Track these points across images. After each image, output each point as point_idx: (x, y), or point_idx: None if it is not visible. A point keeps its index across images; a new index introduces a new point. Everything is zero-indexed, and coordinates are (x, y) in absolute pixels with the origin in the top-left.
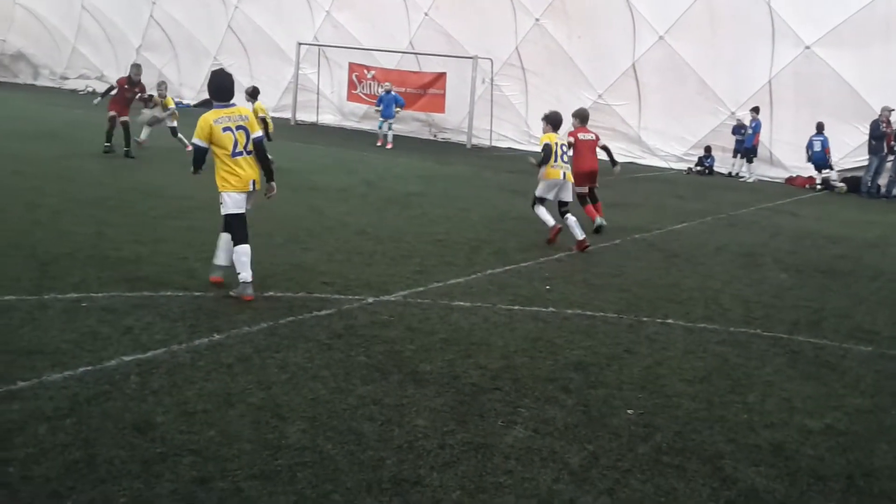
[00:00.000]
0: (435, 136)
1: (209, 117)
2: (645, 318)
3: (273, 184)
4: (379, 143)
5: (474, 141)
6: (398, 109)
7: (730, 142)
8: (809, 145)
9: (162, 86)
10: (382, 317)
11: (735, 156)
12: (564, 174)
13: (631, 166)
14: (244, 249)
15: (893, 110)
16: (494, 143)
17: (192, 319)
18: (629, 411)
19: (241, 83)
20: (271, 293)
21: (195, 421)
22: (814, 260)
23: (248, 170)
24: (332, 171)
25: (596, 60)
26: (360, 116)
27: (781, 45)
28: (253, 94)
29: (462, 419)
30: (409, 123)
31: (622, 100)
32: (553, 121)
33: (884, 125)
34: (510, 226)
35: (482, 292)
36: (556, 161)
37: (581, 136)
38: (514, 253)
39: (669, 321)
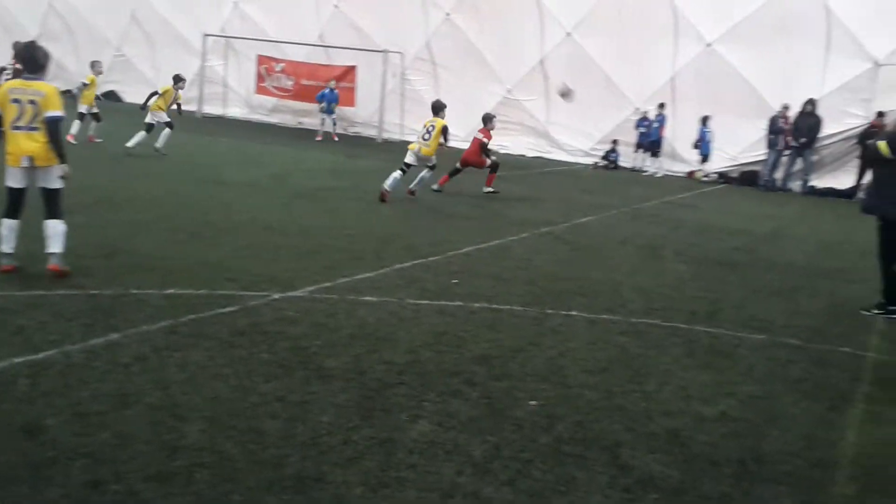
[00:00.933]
0: (345, 129)
1: (6, 85)
2: (550, 311)
3: (65, 166)
4: (318, 139)
5: (385, 135)
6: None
7: (634, 136)
8: (702, 137)
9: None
10: (288, 313)
11: (638, 150)
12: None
13: (539, 161)
14: (8, 224)
15: (791, 108)
16: (405, 138)
17: (88, 318)
18: (532, 402)
19: (144, 73)
20: (172, 290)
21: (88, 423)
22: (712, 252)
23: (24, 144)
24: (239, 165)
25: (505, 56)
26: (268, 109)
27: (684, 42)
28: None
29: (367, 414)
30: (318, 117)
31: (531, 95)
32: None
33: (782, 121)
34: (420, 220)
35: (390, 287)
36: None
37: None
38: (423, 247)
39: (573, 313)
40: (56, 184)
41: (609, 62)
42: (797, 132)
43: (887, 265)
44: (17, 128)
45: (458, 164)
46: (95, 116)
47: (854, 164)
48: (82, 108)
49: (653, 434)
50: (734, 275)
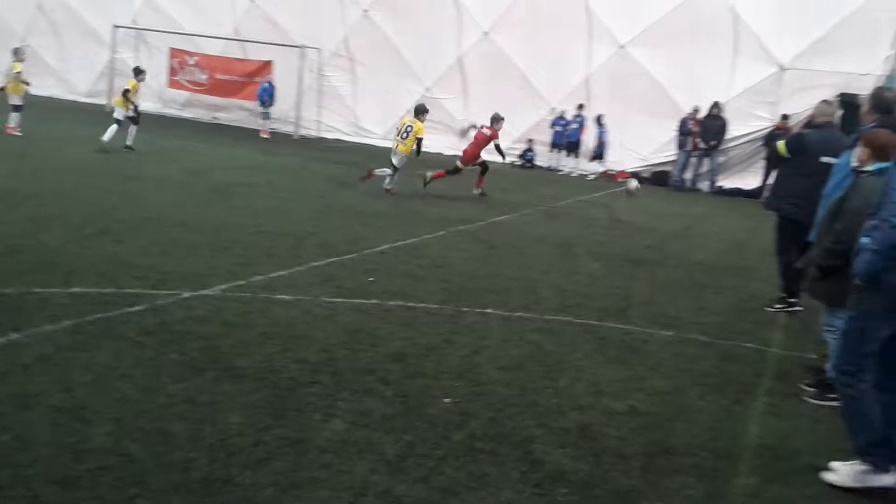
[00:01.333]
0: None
1: None
2: (465, 309)
3: None
4: (264, 136)
5: (302, 131)
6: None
7: (549, 136)
8: (601, 135)
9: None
10: (198, 312)
11: (553, 149)
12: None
13: (457, 159)
14: None
15: (700, 110)
16: (322, 135)
17: None
18: (446, 400)
19: (50, 65)
20: (77, 289)
21: None
22: (624, 250)
23: None
24: (151, 160)
25: (423, 53)
26: (181, 104)
27: (598, 43)
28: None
29: (279, 414)
30: (234, 112)
31: (449, 93)
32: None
33: (691, 123)
34: (336, 218)
35: (305, 285)
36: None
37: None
38: (340, 245)
39: (489, 310)
40: None
41: (525, 62)
42: (705, 134)
43: (784, 260)
44: None
45: (459, 164)
46: (18, 108)
47: (760, 165)
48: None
49: (564, 429)
50: (644, 272)
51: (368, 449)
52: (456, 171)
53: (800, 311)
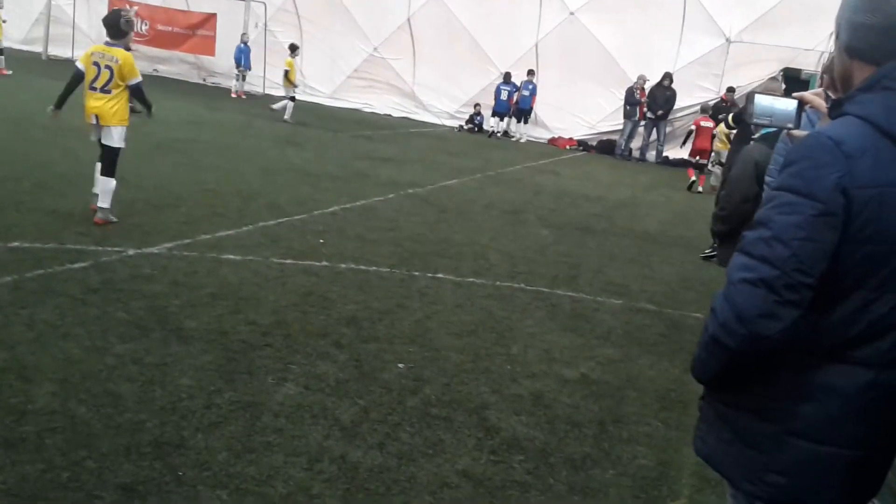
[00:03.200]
0: (204, 80)
1: (92, 48)
2: (417, 273)
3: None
4: (234, 96)
5: (246, 87)
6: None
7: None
8: (497, 93)
9: None
10: (144, 270)
11: (495, 116)
12: None
13: (406, 121)
14: (97, 167)
15: (648, 80)
16: (267, 92)
17: None
18: (399, 365)
19: None
20: (17, 244)
21: None
22: (572, 218)
23: (93, 104)
24: None
25: (372, 13)
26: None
27: (548, 9)
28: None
29: (230, 378)
30: (176, 65)
31: (397, 54)
32: None
33: (638, 92)
34: (284, 178)
35: (253, 245)
36: None
37: None
38: (288, 206)
39: (440, 275)
40: (115, 143)
41: (476, 25)
42: (653, 104)
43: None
44: (93, 88)
45: None
46: None
47: None
48: None
49: (518, 396)
50: (593, 240)
51: (322, 414)
52: None
53: None
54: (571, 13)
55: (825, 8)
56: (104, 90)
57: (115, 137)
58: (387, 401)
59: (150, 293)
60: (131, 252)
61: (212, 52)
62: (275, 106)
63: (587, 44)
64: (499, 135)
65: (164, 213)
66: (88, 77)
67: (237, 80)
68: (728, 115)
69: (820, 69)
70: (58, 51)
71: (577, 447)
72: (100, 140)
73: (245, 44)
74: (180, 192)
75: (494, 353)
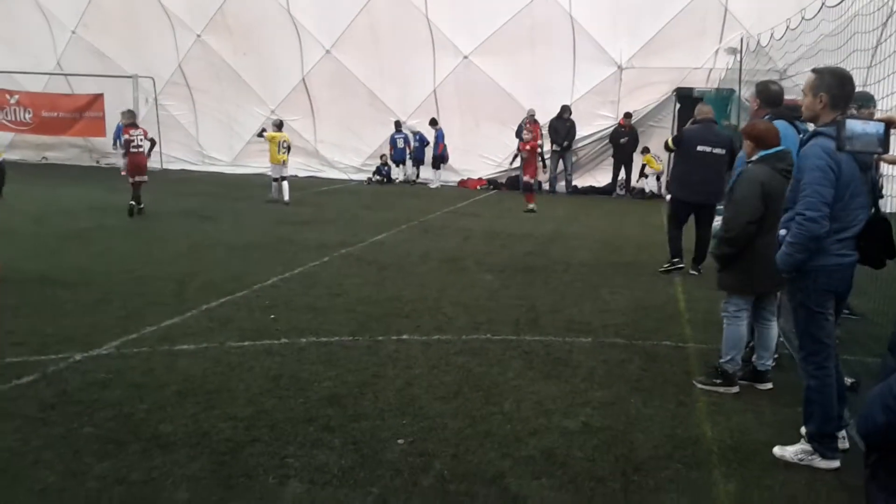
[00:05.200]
0: (98, 162)
1: None
2: (381, 338)
3: None
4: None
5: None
6: None
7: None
8: (392, 142)
9: None
10: (98, 375)
11: (398, 164)
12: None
13: (313, 180)
14: None
15: (535, 112)
16: (165, 166)
17: None
18: (399, 441)
19: None
20: None
21: None
22: (509, 258)
23: None
24: None
25: (265, 76)
26: (5, 146)
27: (442, 55)
28: None
29: (228, 484)
30: (65, 150)
31: (295, 115)
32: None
33: (526, 126)
34: (210, 255)
35: (204, 331)
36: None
37: None
38: (225, 283)
39: (405, 337)
40: None
41: (371, 78)
42: (556, 136)
43: (671, 232)
44: None
45: None
46: None
47: (609, 163)
48: None
49: (530, 457)
50: (537, 279)
51: None
52: None
53: (681, 267)
54: (465, 57)
55: (706, 28)
56: None
57: None
58: (400, 484)
59: (112, 400)
60: (78, 357)
61: (102, 133)
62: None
63: (484, 85)
64: (410, 181)
65: (100, 310)
66: None
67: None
68: (630, 139)
69: (710, 85)
70: None
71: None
72: None
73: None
74: (108, 284)
75: (489, 414)
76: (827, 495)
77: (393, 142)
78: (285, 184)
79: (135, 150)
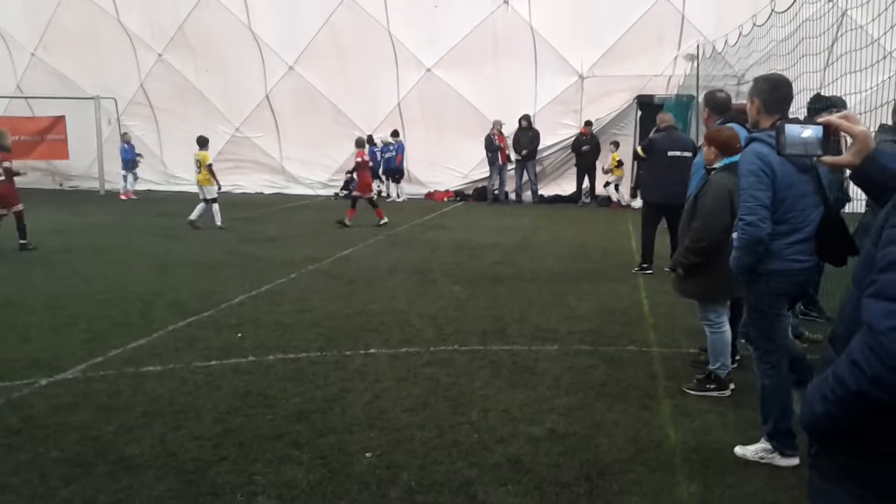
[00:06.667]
0: (61, 185)
1: None
2: (348, 352)
3: None
4: (123, 197)
5: (108, 186)
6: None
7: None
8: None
9: None
10: (64, 399)
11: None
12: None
13: (279, 197)
14: None
15: (504, 124)
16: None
17: None
18: (367, 454)
19: None
20: None
21: None
22: (477, 269)
23: None
24: None
25: (228, 93)
26: None
27: (405, 69)
28: None
29: (196, 502)
30: (28, 174)
31: (260, 131)
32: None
33: (496, 138)
34: (177, 274)
35: (170, 352)
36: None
37: None
38: (191, 303)
39: (372, 350)
40: None
41: (335, 93)
42: (518, 146)
43: (644, 235)
44: None
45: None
46: None
47: (573, 172)
48: None
49: (496, 466)
50: (505, 289)
51: None
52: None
53: (651, 273)
54: (428, 69)
55: (666, 34)
56: None
57: None
58: (368, 497)
59: (78, 424)
60: (44, 381)
61: (65, 156)
62: (193, 217)
63: (448, 97)
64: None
65: (65, 334)
66: None
67: (125, 180)
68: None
69: (670, 92)
70: None
71: None
72: None
73: (128, 143)
74: (74, 307)
75: (456, 424)
76: (786, 492)
77: (372, 154)
78: (199, 206)
79: None
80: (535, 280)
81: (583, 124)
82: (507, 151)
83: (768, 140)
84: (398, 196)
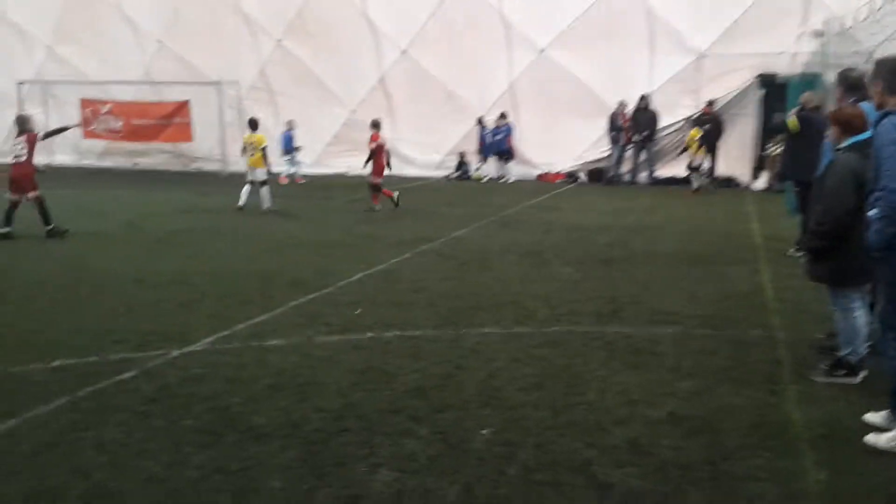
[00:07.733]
0: (186, 166)
1: None
2: (463, 331)
3: None
4: (284, 182)
5: (230, 168)
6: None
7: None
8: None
9: None
10: (194, 370)
11: (485, 160)
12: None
13: (392, 179)
14: None
15: (628, 104)
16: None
17: None
18: (483, 431)
19: None
20: (58, 363)
21: None
22: (590, 251)
23: None
24: (81, 216)
25: (344, 77)
26: (99, 154)
27: (517, 50)
28: None
29: (320, 472)
30: (155, 156)
31: (374, 114)
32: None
33: (620, 118)
34: (295, 253)
35: (292, 327)
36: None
37: None
38: (310, 280)
39: (486, 330)
40: None
41: (447, 76)
42: (637, 127)
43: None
44: None
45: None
46: None
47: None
48: None
49: (615, 447)
50: (618, 271)
51: (427, 496)
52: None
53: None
54: (541, 51)
55: (789, 10)
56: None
57: None
58: (486, 472)
59: (208, 394)
60: (175, 353)
61: (189, 139)
62: (240, 203)
63: (561, 78)
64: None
65: (193, 308)
66: None
67: (288, 164)
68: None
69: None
70: (35, 158)
71: (699, 493)
72: None
73: (290, 130)
74: (199, 283)
75: (572, 404)
76: None
77: (482, 136)
78: (245, 188)
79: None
80: (648, 263)
81: (705, 104)
82: (630, 132)
83: None
84: (508, 178)
